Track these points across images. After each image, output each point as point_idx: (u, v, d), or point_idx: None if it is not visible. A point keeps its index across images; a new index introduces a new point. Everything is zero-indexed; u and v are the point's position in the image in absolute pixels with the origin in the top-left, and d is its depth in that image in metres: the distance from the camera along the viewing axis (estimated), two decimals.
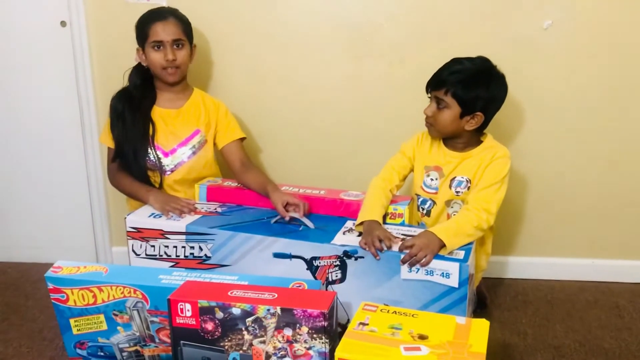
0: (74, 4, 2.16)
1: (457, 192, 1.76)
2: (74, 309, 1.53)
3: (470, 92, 1.68)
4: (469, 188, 1.75)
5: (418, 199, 1.84)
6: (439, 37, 2.09)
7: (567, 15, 2.03)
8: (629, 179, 2.17)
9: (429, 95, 1.76)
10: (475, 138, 1.79)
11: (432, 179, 1.80)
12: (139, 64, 2.01)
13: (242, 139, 2.07)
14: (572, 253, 2.27)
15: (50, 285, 1.51)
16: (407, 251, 1.53)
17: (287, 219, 1.75)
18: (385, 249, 1.56)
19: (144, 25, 1.94)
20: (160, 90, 2.02)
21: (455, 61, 1.74)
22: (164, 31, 1.91)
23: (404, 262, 1.53)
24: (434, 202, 1.81)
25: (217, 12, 2.16)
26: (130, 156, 1.95)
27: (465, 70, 1.70)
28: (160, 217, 1.78)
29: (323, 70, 2.19)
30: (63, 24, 2.19)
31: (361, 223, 1.68)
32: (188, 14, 2.00)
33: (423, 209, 1.83)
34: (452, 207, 1.78)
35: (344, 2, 2.12)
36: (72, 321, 1.55)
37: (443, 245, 1.54)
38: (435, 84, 1.73)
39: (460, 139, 1.78)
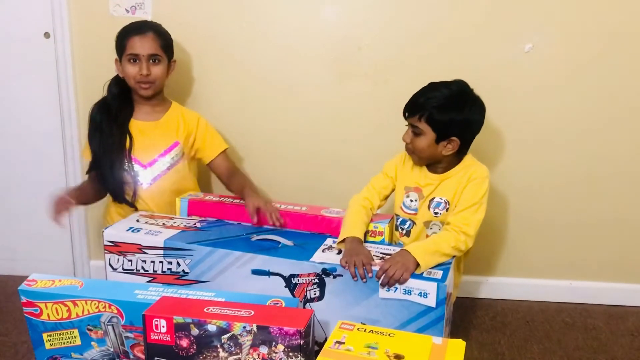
0: (58, 16, 2.16)
1: (435, 213, 1.76)
2: (47, 323, 1.50)
3: (442, 116, 1.67)
4: (447, 209, 1.74)
5: (397, 219, 1.83)
6: (423, 59, 2.11)
7: (548, 39, 2.06)
8: (607, 202, 2.20)
9: (406, 122, 1.75)
10: (455, 159, 1.77)
11: (411, 200, 1.80)
12: (118, 75, 2.00)
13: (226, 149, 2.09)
14: (551, 274, 2.29)
15: (24, 299, 1.48)
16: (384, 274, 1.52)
17: (254, 221, 1.80)
18: (366, 275, 1.54)
19: (123, 38, 1.94)
20: (138, 102, 2.02)
21: (432, 87, 1.72)
22: (140, 45, 1.91)
23: (382, 285, 1.52)
24: (414, 223, 1.80)
25: (201, 28, 2.17)
26: (107, 168, 1.94)
27: (439, 96, 1.68)
28: (138, 231, 1.76)
29: (307, 88, 2.20)
30: (47, 35, 2.19)
31: (343, 240, 1.67)
32: (172, 28, 2.01)
33: (402, 229, 1.82)
34: (431, 228, 1.77)
35: (330, 22, 2.14)
36: (45, 336, 1.52)
37: (418, 264, 1.54)
38: (410, 110, 1.72)
39: (440, 164, 1.77)
